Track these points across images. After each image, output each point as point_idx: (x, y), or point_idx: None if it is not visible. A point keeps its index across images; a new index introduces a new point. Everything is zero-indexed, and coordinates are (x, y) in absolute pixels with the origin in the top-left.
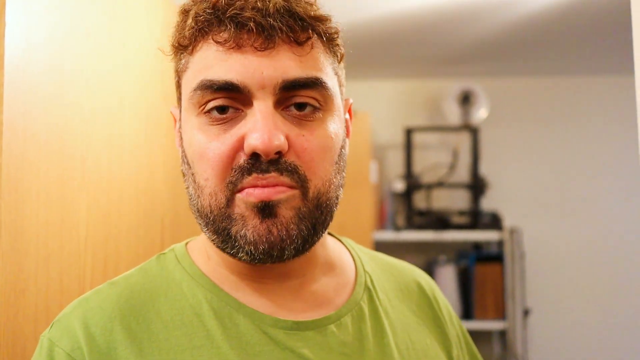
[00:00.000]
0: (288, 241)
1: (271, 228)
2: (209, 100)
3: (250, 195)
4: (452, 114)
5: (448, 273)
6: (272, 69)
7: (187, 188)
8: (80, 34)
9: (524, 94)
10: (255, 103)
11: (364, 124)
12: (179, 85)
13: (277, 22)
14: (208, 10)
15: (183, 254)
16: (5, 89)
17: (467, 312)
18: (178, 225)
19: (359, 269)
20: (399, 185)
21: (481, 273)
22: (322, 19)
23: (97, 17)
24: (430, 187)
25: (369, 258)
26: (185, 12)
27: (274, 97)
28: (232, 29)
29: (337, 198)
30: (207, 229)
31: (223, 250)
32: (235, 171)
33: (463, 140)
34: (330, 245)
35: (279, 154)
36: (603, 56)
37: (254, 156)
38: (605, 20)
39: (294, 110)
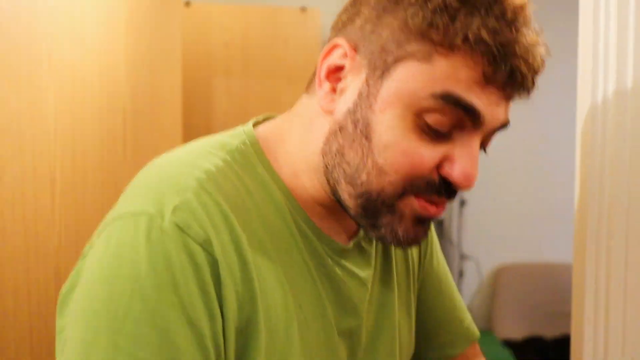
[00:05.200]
0: (422, 242)
1: (418, 233)
2: (440, 115)
3: (426, 210)
4: None
5: None
6: (505, 115)
7: (342, 146)
8: None
9: None
10: (474, 137)
11: (314, 21)
12: (393, 58)
13: (534, 81)
14: (499, 39)
15: (262, 156)
16: None
17: None
18: (137, 113)
19: None
20: None
21: None
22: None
23: None
24: None
25: None
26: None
27: (482, 137)
28: (505, 74)
29: None
30: (352, 199)
31: (354, 217)
32: (425, 182)
33: None
34: None
35: None
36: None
37: (445, 179)
38: None
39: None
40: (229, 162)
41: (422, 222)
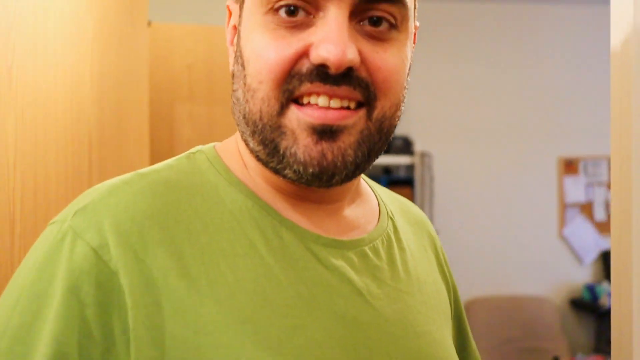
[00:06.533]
0: (341, 167)
1: (326, 152)
2: None
3: (310, 115)
4: None
5: None
6: None
7: (235, 91)
8: None
9: (437, 19)
10: (330, 9)
11: None
12: None
13: None
14: None
15: (214, 157)
16: None
17: None
18: (104, 143)
19: (379, 200)
20: None
21: None
22: None
23: None
24: None
25: (381, 190)
26: None
27: (351, 7)
28: None
29: (395, 127)
30: (253, 139)
31: (267, 163)
32: (294, 78)
33: None
34: None
35: (350, 69)
36: None
37: (321, 68)
38: None
39: (368, 26)
40: (171, 166)
41: (324, 136)
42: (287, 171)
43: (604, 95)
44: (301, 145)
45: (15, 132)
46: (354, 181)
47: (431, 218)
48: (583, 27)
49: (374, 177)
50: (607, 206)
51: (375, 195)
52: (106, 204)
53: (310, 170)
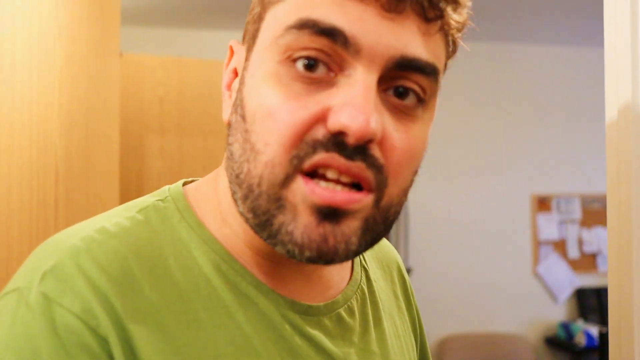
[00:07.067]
0: (343, 254)
1: (328, 236)
2: (302, 48)
3: (314, 194)
4: None
5: None
6: (393, 37)
7: (230, 145)
8: None
9: None
10: (358, 70)
11: None
12: (259, 19)
13: None
14: None
15: (185, 208)
16: None
17: None
18: (72, 176)
19: None
20: None
21: None
22: (459, 2)
23: None
24: None
25: None
26: None
27: (381, 71)
28: None
29: (399, 214)
30: (244, 203)
31: (256, 232)
32: (306, 144)
33: None
34: None
35: (369, 142)
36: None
37: (338, 135)
38: None
39: (392, 97)
40: (139, 221)
41: (330, 217)
42: (278, 247)
43: (576, 134)
44: (300, 225)
45: None
46: None
47: (406, 256)
48: (556, 67)
49: None
50: (580, 244)
51: None
52: (77, 264)
53: (307, 254)
